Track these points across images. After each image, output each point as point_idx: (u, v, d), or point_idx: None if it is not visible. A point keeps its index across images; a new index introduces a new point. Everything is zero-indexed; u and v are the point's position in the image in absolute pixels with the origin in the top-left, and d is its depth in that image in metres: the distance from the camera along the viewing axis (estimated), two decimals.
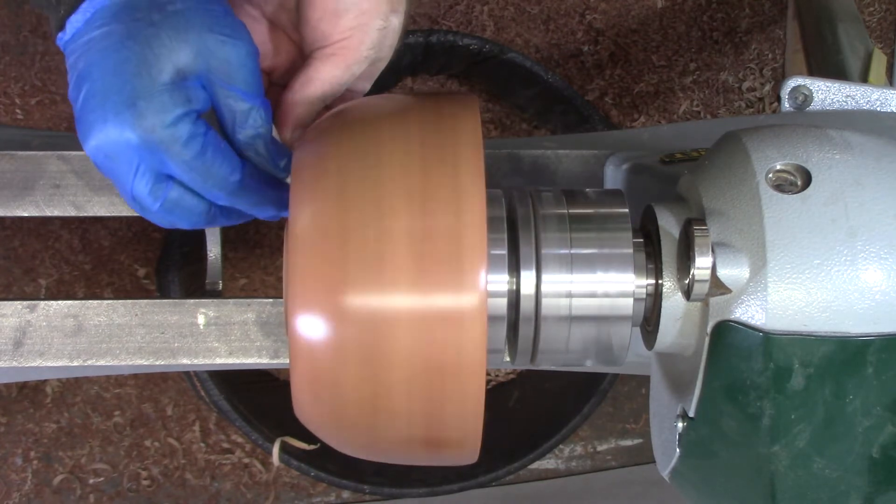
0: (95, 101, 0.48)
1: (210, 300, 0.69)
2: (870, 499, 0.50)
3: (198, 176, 0.50)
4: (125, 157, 0.48)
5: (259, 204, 0.54)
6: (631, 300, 0.51)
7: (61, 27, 0.50)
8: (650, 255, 0.52)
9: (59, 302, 0.68)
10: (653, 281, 0.52)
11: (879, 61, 1.01)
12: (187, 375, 1.30)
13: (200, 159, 0.50)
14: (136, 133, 0.48)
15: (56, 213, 0.70)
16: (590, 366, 0.55)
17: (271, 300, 0.69)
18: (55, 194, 0.70)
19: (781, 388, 0.47)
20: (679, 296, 0.51)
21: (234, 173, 0.51)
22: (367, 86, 0.59)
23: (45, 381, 1.37)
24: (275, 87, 0.59)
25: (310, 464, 1.24)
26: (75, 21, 0.50)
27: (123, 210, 0.70)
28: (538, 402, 1.39)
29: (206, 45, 0.49)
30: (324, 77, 0.54)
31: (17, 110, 1.38)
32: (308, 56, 0.55)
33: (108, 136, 0.48)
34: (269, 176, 0.54)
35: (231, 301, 0.69)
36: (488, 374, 1.36)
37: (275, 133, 0.56)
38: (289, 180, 0.53)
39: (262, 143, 0.52)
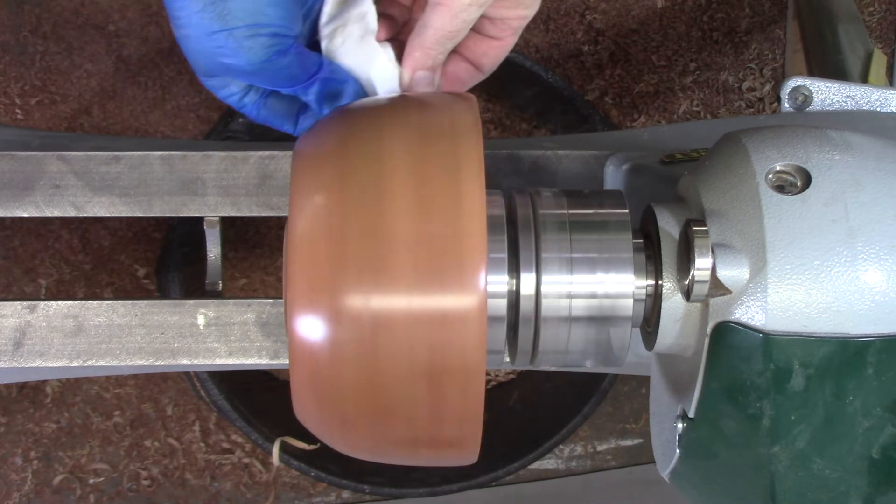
0: None
1: (210, 300, 0.69)
2: (870, 499, 0.50)
3: (264, 123, 0.60)
4: None
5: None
6: (631, 301, 0.51)
7: None
8: (650, 256, 0.52)
9: (59, 302, 0.68)
10: (653, 282, 0.52)
11: (879, 61, 1.01)
12: (187, 375, 1.30)
13: (256, 118, 0.59)
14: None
15: (56, 213, 0.70)
16: (590, 366, 0.55)
17: (271, 300, 0.69)
18: (55, 194, 0.70)
19: (781, 388, 0.47)
20: (679, 297, 0.51)
21: (286, 125, 0.60)
22: (525, 13, 0.58)
23: (45, 381, 1.37)
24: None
25: (310, 464, 1.24)
26: None
27: (123, 210, 0.70)
28: (538, 402, 1.39)
29: (214, 63, 0.54)
30: (434, 25, 0.55)
31: (17, 110, 1.38)
32: (425, 1, 0.57)
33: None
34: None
35: (231, 301, 0.69)
36: (488, 374, 1.36)
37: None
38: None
39: (314, 106, 0.58)
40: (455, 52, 0.59)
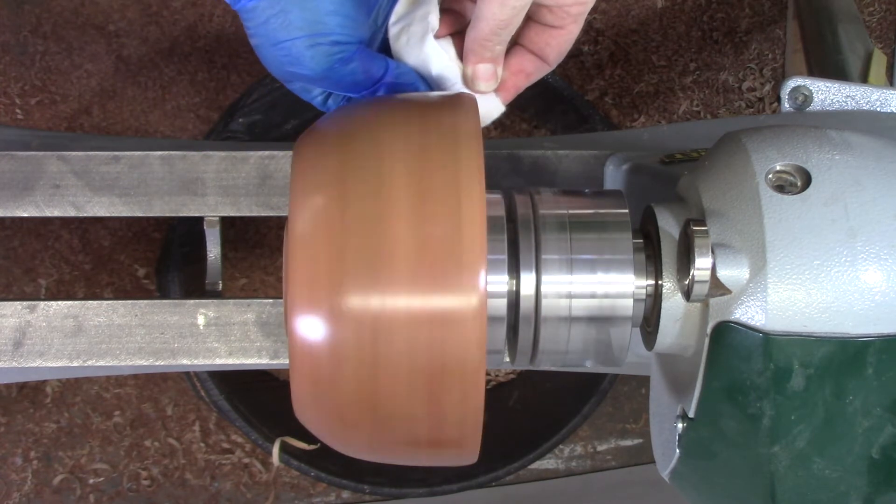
0: None
1: (210, 300, 0.69)
2: (870, 499, 0.50)
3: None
4: None
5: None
6: (631, 301, 0.51)
7: None
8: (650, 256, 0.52)
9: (59, 302, 0.68)
10: (653, 282, 0.52)
11: (879, 61, 1.01)
12: (187, 375, 1.30)
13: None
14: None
15: (56, 213, 0.70)
16: (590, 366, 0.55)
17: (271, 300, 0.69)
18: (55, 194, 0.70)
19: (781, 388, 0.47)
20: (679, 296, 0.51)
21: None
22: (569, 25, 0.59)
23: (45, 381, 1.37)
24: None
25: (310, 464, 1.24)
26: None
27: (123, 210, 0.70)
28: (538, 402, 1.39)
29: (283, 70, 0.56)
30: (486, 16, 0.55)
31: (17, 110, 1.38)
32: None
33: None
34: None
35: (231, 301, 0.69)
36: (488, 374, 1.36)
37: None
38: None
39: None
40: (518, 44, 0.59)
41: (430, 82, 0.59)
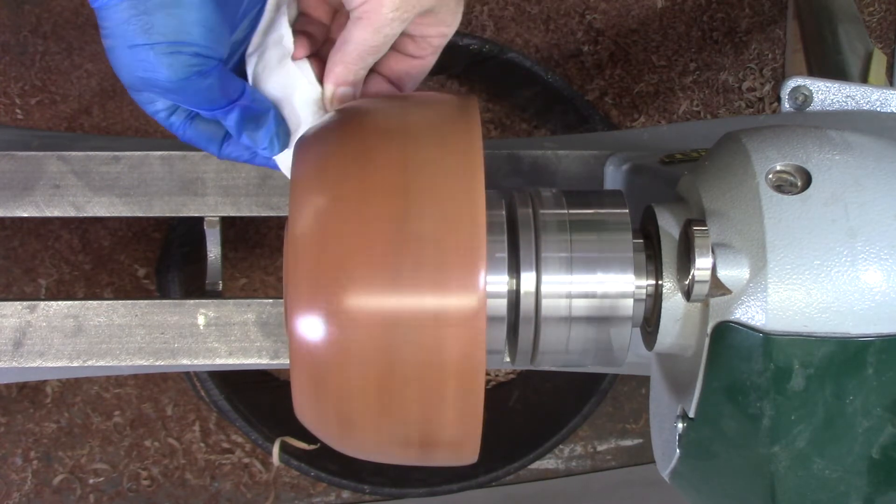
0: None
1: (210, 300, 0.69)
2: (870, 499, 0.50)
3: (190, 142, 0.58)
4: None
5: (255, 161, 0.60)
6: (631, 301, 0.51)
7: None
8: (650, 256, 0.52)
9: (59, 302, 0.68)
10: (653, 282, 0.52)
11: (879, 61, 1.01)
12: (187, 375, 1.30)
13: (182, 137, 0.58)
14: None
15: (56, 213, 0.70)
16: (590, 366, 0.55)
17: (271, 300, 0.69)
18: (55, 194, 0.70)
19: (781, 388, 0.47)
20: (679, 296, 0.51)
21: (210, 148, 0.58)
22: (446, 30, 0.58)
23: (45, 381, 1.37)
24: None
25: (310, 464, 1.24)
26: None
27: (123, 210, 0.70)
28: (538, 402, 1.39)
29: (136, 78, 0.53)
30: (356, 40, 0.55)
31: (17, 110, 1.38)
32: (346, 16, 0.56)
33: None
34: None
35: (231, 301, 0.69)
36: (488, 374, 1.36)
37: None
38: (281, 164, 0.58)
39: (233, 133, 0.57)
40: (376, 71, 0.59)
41: (286, 108, 0.58)
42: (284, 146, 0.57)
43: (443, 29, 0.58)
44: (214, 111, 0.55)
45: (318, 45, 0.59)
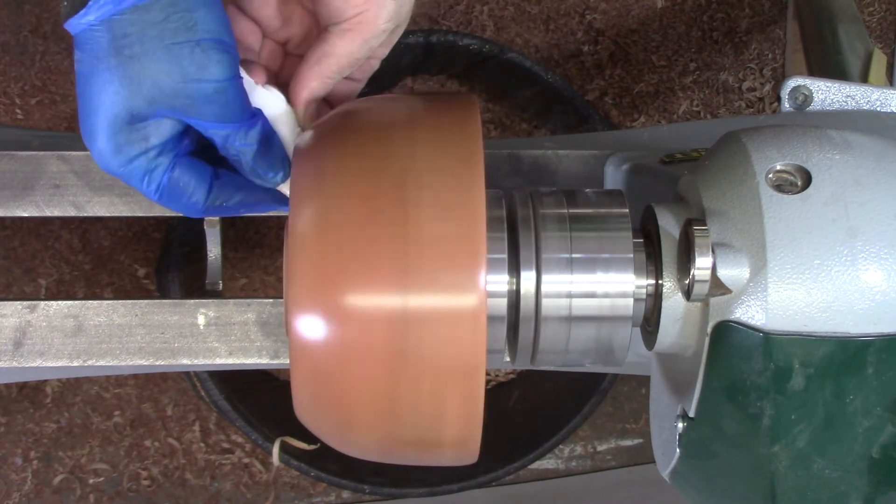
0: (81, 119, 0.50)
1: (210, 300, 0.69)
2: (870, 499, 0.50)
3: (165, 201, 0.53)
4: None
5: (246, 207, 0.55)
6: (631, 300, 0.51)
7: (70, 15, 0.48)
8: (650, 256, 0.52)
9: (59, 302, 0.68)
10: (653, 281, 0.52)
11: (879, 61, 1.01)
12: (187, 375, 1.30)
13: (160, 192, 0.52)
14: (104, 164, 0.51)
15: (56, 213, 0.70)
16: (590, 366, 0.55)
17: (271, 300, 0.69)
18: (55, 194, 0.70)
19: (781, 388, 0.47)
20: (679, 296, 0.51)
21: (196, 195, 0.53)
22: (386, 51, 0.57)
23: (45, 381, 1.37)
24: (291, 57, 0.58)
25: (310, 464, 1.24)
26: (75, 25, 0.48)
27: (123, 210, 0.70)
28: (538, 402, 1.39)
29: (160, 91, 0.49)
30: (340, 52, 0.53)
31: (17, 110, 1.38)
32: (324, 29, 0.54)
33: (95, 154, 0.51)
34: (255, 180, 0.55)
35: (231, 301, 0.69)
36: (488, 374, 1.36)
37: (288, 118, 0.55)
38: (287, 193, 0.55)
39: (247, 158, 0.53)
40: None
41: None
42: (289, 173, 0.55)
43: (386, 50, 0.57)
44: (240, 126, 0.52)
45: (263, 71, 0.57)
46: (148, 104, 0.49)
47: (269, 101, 0.55)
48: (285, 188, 0.56)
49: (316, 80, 0.54)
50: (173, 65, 0.48)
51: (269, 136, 0.54)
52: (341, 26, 0.53)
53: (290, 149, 0.55)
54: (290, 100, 0.55)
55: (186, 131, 0.52)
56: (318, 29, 0.56)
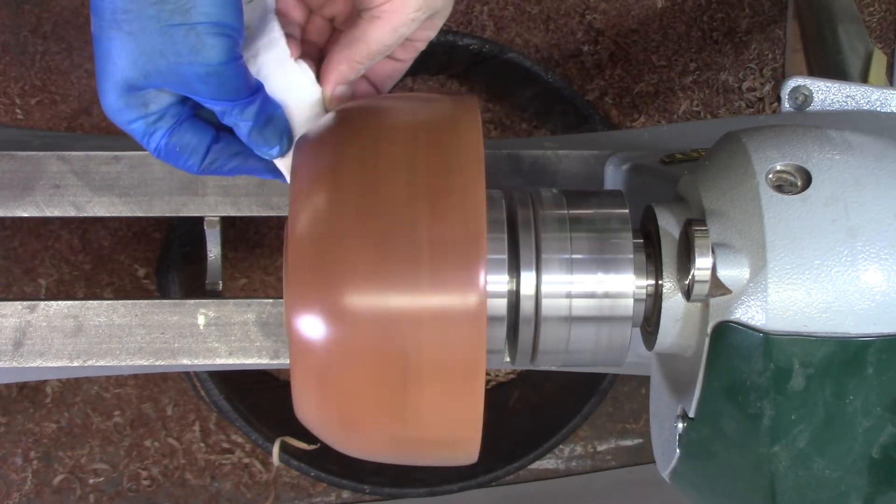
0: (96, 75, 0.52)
1: (210, 300, 0.69)
2: (870, 499, 0.50)
3: (164, 159, 0.55)
4: None
5: (242, 171, 0.57)
6: (631, 301, 0.51)
7: None
8: (650, 256, 0.52)
9: (59, 302, 0.68)
10: (653, 282, 0.52)
11: (879, 61, 1.01)
12: (187, 375, 1.30)
13: (158, 151, 0.54)
14: (111, 119, 0.53)
15: (56, 213, 0.70)
16: (590, 366, 0.55)
17: (271, 300, 0.69)
18: (55, 194, 0.70)
19: (781, 388, 0.47)
20: (679, 296, 0.51)
21: (192, 158, 0.55)
22: (431, 34, 0.57)
23: (45, 381, 1.37)
24: (337, 33, 0.59)
25: (310, 464, 1.24)
26: None
27: (123, 210, 0.70)
28: (538, 402, 1.39)
29: (155, 68, 0.50)
30: (369, 39, 0.54)
31: (17, 110, 1.38)
32: (357, 14, 0.55)
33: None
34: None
35: (231, 301, 0.69)
36: (488, 374, 1.36)
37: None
38: (282, 167, 0.56)
39: (243, 132, 0.54)
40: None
41: (286, 107, 0.56)
42: (290, 147, 0.56)
43: (430, 33, 0.57)
44: (237, 101, 0.52)
45: (300, 46, 0.58)
46: (144, 77, 0.50)
47: (296, 76, 0.56)
48: (284, 162, 0.57)
49: (345, 63, 0.55)
50: (167, 46, 0.49)
51: (268, 112, 0.55)
52: (371, 13, 0.54)
53: (305, 127, 0.56)
54: (319, 80, 0.56)
55: (187, 98, 0.53)
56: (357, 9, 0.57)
